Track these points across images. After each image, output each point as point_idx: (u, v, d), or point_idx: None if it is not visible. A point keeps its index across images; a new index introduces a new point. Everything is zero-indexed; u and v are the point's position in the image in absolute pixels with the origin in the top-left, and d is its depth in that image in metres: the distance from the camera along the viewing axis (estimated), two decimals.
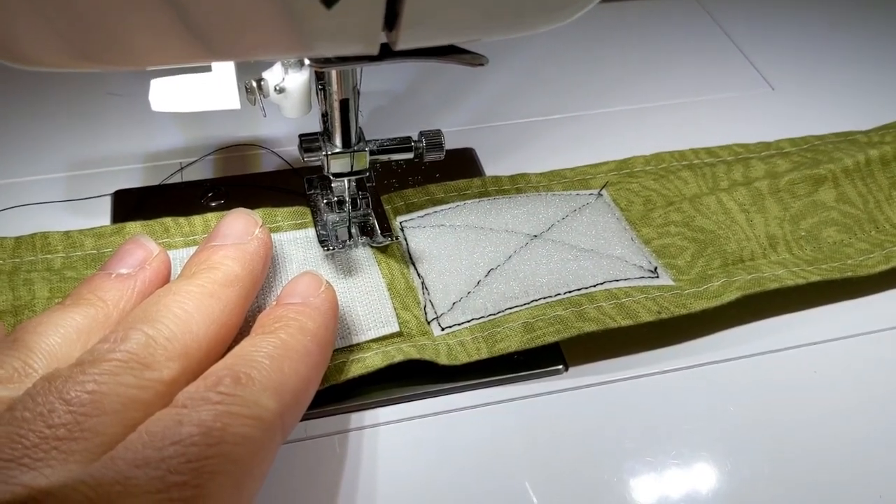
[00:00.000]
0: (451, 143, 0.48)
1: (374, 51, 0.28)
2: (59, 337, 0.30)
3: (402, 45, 0.29)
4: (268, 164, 0.47)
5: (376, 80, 0.53)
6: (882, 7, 0.62)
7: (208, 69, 0.36)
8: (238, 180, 0.46)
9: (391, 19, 0.27)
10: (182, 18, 0.25)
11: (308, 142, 0.39)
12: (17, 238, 0.40)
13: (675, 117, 0.52)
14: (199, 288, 0.32)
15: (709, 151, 0.47)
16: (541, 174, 0.46)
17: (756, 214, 0.43)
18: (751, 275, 0.39)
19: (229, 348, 0.31)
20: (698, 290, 0.38)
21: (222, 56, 0.28)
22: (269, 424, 0.27)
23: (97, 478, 0.24)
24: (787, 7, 0.63)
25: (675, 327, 0.38)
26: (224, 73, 0.35)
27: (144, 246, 0.35)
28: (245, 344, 0.30)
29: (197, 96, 0.35)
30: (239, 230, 0.35)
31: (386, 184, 0.46)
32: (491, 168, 0.47)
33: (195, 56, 0.27)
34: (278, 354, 0.30)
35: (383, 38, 0.28)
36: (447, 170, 0.46)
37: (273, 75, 0.36)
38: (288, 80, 0.35)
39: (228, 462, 0.26)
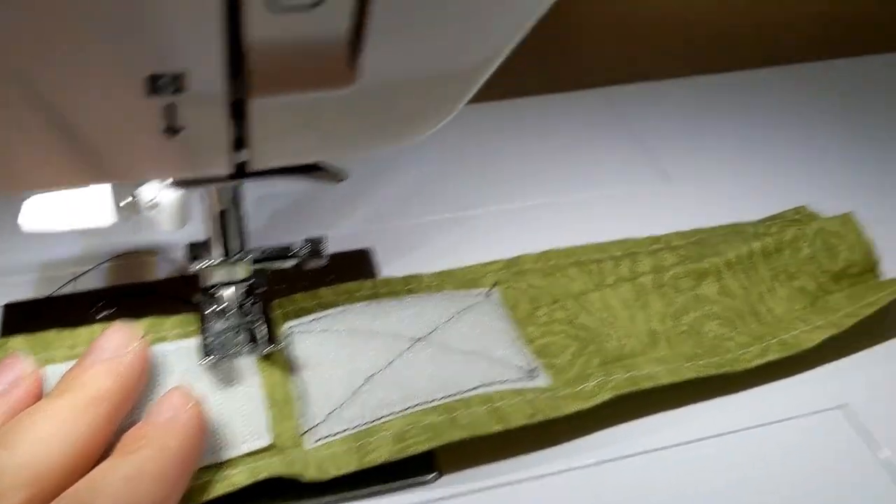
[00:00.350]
0: (348, 245, 0.49)
1: (226, 172, 0.29)
2: None
3: (256, 167, 0.30)
4: (161, 272, 0.47)
5: (276, 184, 0.54)
6: (782, 97, 0.65)
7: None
8: (131, 289, 0.46)
9: (240, 142, 0.28)
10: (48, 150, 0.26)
11: (195, 250, 0.40)
12: None
13: (572, 213, 0.53)
14: (63, 408, 0.32)
15: (598, 247, 0.49)
16: (433, 274, 0.47)
17: (639, 311, 0.44)
18: (628, 373, 0.40)
19: (97, 463, 0.31)
20: (573, 391, 0.39)
21: (101, 181, 0.29)
22: None
23: None
24: (689, 101, 0.65)
25: (553, 428, 0.38)
26: (98, 189, 0.35)
27: (19, 363, 0.35)
28: (103, 466, 0.30)
29: (69, 215, 0.36)
30: (116, 344, 0.35)
31: (276, 289, 0.46)
32: (388, 269, 0.48)
33: (60, 183, 0.28)
34: (134, 476, 0.29)
35: (242, 157, 0.29)
36: (341, 272, 0.47)
37: (147, 191, 0.36)
38: (161, 196, 0.36)
39: None
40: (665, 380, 0.40)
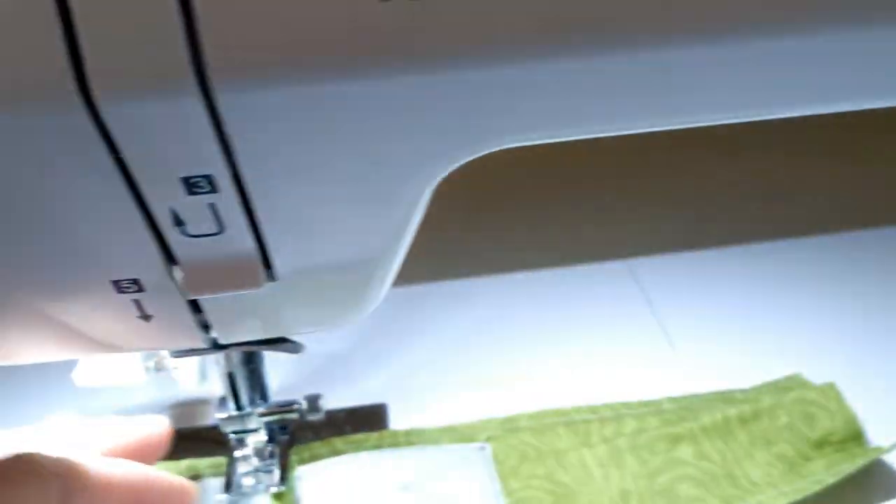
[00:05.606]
0: (367, 399, 0.56)
1: (199, 345, 0.37)
2: None
3: (224, 341, 0.38)
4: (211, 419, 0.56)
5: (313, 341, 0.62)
6: (788, 269, 0.67)
7: None
8: (183, 433, 0.54)
9: (206, 327, 0.36)
10: (56, 333, 0.35)
11: (222, 403, 0.48)
12: None
13: (577, 373, 0.57)
14: None
15: (590, 409, 0.52)
16: (434, 429, 0.52)
17: (613, 469, 0.47)
18: None
19: None
20: None
21: (108, 352, 0.38)
22: None
23: None
24: (706, 271, 0.68)
25: None
26: (129, 354, 0.45)
27: None
28: None
29: (110, 373, 0.45)
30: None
31: (302, 435, 0.53)
32: (397, 422, 0.54)
33: (74, 354, 0.37)
34: None
35: (211, 336, 0.37)
36: (358, 423, 0.54)
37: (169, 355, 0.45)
38: (180, 360, 0.45)
39: None
40: None
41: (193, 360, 0.45)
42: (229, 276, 0.32)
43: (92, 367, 0.45)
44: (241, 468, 0.49)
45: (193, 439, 0.53)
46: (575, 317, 0.64)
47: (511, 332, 0.63)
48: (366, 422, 0.54)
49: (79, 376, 0.45)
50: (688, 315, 0.63)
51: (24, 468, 0.33)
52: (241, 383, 0.45)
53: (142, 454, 0.41)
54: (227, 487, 0.48)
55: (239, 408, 0.46)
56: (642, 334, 0.62)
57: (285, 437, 0.50)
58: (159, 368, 0.45)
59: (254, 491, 0.47)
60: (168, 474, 0.40)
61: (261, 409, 0.47)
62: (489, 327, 0.63)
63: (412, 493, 0.46)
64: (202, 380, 0.46)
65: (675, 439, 0.48)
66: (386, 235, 0.33)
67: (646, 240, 0.72)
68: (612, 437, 0.49)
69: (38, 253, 0.30)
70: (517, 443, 0.50)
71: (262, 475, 0.48)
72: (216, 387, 0.48)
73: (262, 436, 0.49)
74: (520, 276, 0.68)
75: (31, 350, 0.36)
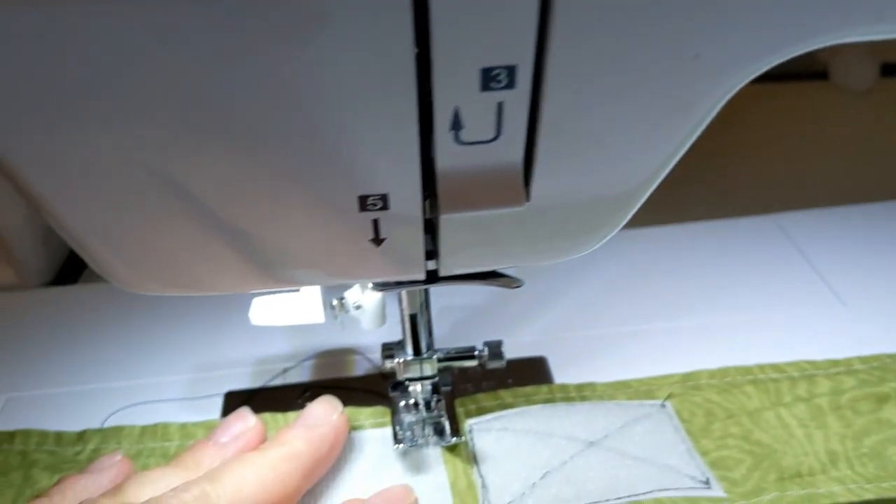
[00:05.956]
0: (524, 352, 0.53)
1: (421, 276, 0.34)
2: (152, 491, 0.36)
3: (444, 273, 0.34)
4: (359, 369, 0.53)
5: (460, 295, 0.58)
6: None
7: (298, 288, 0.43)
8: (332, 383, 0.51)
9: (431, 253, 0.33)
10: (252, 260, 0.32)
11: (388, 350, 0.45)
12: (143, 427, 0.46)
13: (744, 333, 0.54)
14: (262, 459, 0.38)
15: (775, 367, 0.49)
16: (606, 384, 0.49)
17: (816, 430, 0.44)
18: (804, 490, 0.40)
19: None
20: (748, 503, 0.39)
21: (295, 284, 0.35)
22: None
23: None
24: (861, 227, 0.64)
25: None
26: (311, 292, 0.42)
27: (245, 419, 0.42)
28: None
29: (288, 312, 0.42)
30: (318, 414, 0.42)
31: (462, 387, 0.50)
32: (560, 377, 0.51)
33: (266, 285, 0.34)
34: (262, 464, 0.36)
35: (430, 267, 0.34)
36: (519, 377, 0.50)
37: (352, 294, 0.42)
38: (364, 299, 0.41)
39: None
40: (843, 499, 0.39)
41: (375, 301, 0.42)
42: (488, 192, 0.28)
43: (268, 306, 0.42)
44: (408, 419, 0.46)
45: (347, 389, 0.50)
46: (729, 271, 0.61)
47: (665, 284, 0.59)
48: (527, 375, 0.51)
49: (255, 315, 0.42)
50: (851, 271, 0.59)
51: None
52: (421, 327, 0.42)
53: (328, 462, 0.42)
54: (397, 439, 0.44)
55: (417, 353, 0.43)
56: (807, 291, 0.58)
57: (448, 388, 0.47)
58: (339, 308, 0.42)
59: (425, 443, 0.44)
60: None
61: (439, 355, 0.43)
62: (641, 279, 0.60)
63: (600, 450, 0.43)
64: (381, 322, 0.43)
65: (881, 399, 0.45)
66: (659, 158, 0.30)
67: (792, 194, 0.68)
68: (808, 396, 0.46)
69: (292, 164, 0.27)
70: (701, 401, 0.47)
71: (429, 427, 0.45)
72: (386, 334, 0.46)
73: (427, 386, 0.45)
74: (668, 229, 0.65)
75: (224, 278, 0.33)
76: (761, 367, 0.49)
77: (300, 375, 0.53)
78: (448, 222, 0.30)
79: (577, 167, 0.29)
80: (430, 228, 0.31)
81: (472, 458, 0.44)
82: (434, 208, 0.29)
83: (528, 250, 0.34)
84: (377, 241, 0.31)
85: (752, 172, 0.71)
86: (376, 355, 0.53)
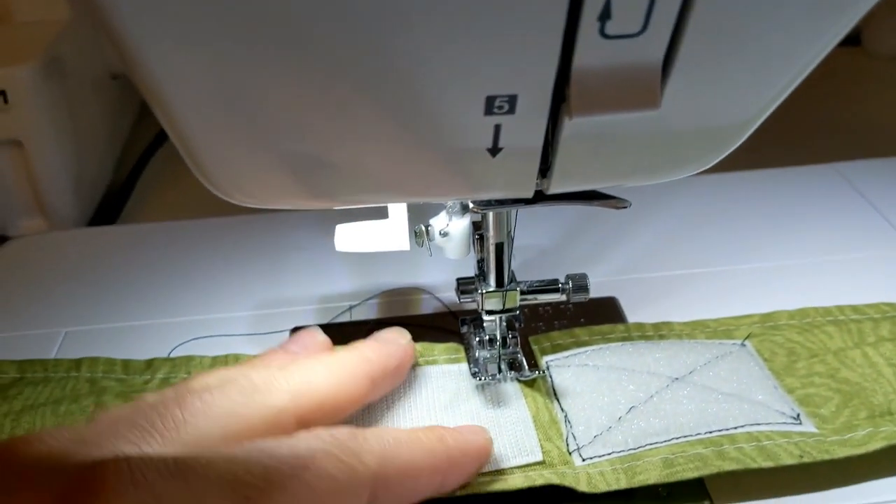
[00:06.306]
0: (594, 293, 0.51)
1: (530, 194, 0.33)
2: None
3: (552, 190, 0.33)
4: (426, 308, 0.52)
5: (524, 235, 0.57)
6: None
7: (384, 216, 0.41)
8: (399, 321, 0.50)
9: (545, 169, 0.32)
10: (366, 171, 0.31)
11: (464, 284, 0.44)
12: (214, 357, 0.46)
13: (815, 275, 0.53)
14: (333, 358, 0.38)
15: (854, 308, 0.48)
16: (684, 323, 0.48)
17: None
18: None
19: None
20: (843, 438, 0.38)
21: (414, 198, 0.33)
22: (359, 479, 0.31)
23: (184, 458, 0.29)
24: None
25: (821, 473, 0.37)
26: (397, 219, 0.40)
27: (314, 335, 0.42)
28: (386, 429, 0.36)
29: (373, 239, 0.41)
30: (387, 336, 0.42)
31: (533, 326, 0.49)
32: (633, 316, 0.50)
33: (374, 199, 0.33)
34: (406, 440, 0.33)
35: (538, 185, 0.33)
36: (591, 316, 0.49)
37: (438, 221, 0.41)
38: (451, 226, 0.40)
39: (304, 486, 0.29)
40: None
41: (463, 228, 0.40)
42: (624, 93, 0.27)
43: (353, 232, 0.41)
44: (483, 355, 0.45)
45: (417, 326, 0.49)
46: (794, 216, 0.59)
47: (730, 228, 0.58)
48: (599, 315, 0.50)
49: (339, 241, 0.41)
50: None
51: (336, 461, 0.31)
52: (506, 257, 0.41)
53: (395, 378, 0.42)
54: (474, 374, 0.43)
55: (499, 285, 0.42)
56: (875, 236, 0.57)
57: (520, 325, 0.46)
58: (425, 236, 0.40)
59: (503, 378, 0.43)
60: (464, 435, 0.37)
61: (522, 287, 0.42)
62: (707, 223, 0.59)
63: (687, 385, 0.42)
64: (466, 251, 0.41)
65: None
66: (791, 72, 0.28)
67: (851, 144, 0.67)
68: (892, 336, 0.45)
69: (420, 58, 0.25)
70: (783, 340, 0.46)
71: (504, 363, 0.44)
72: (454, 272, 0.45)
73: (502, 322, 0.44)
74: (727, 176, 0.63)
75: (338, 189, 0.32)
76: (840, 309, 0.48)
77: (366, 313, 0.52)
78: (571, 129, 0.29)
79: (714, 73, 0.28)
80: (550, 140, 0.30)
81: (552, 393, 0.43)
82: (559, 115, 0.28)
83: (638, 167, 0.32)
84: (494, 150, 0.29)
85: (814, 124, 0.70)
86: (444, 294, 0.52)
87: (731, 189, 0.63)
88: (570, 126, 0.29)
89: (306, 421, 0.34)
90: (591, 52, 0.26)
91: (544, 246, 0.57)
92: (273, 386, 0.34)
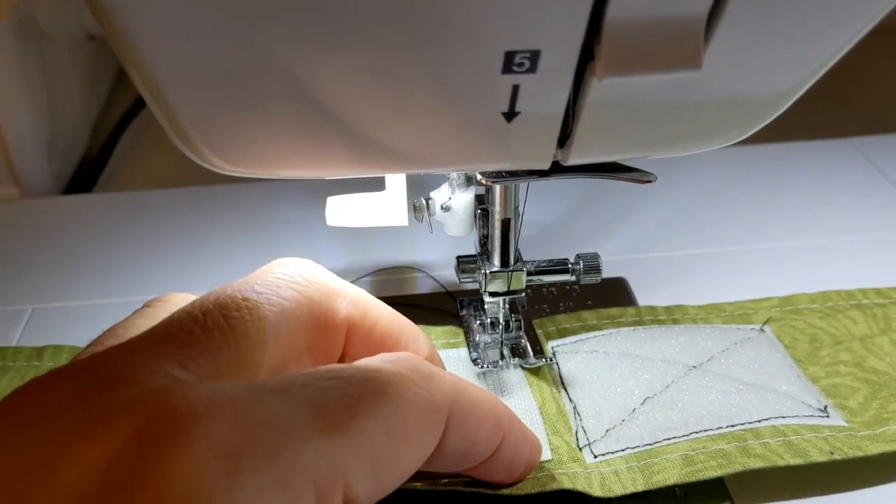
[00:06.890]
0: (602, 272, 0.48)
1: (546, 166, 0.30)
2: None
3: (570, 162, 0.30)
4: (422, 287, 0.48)
5: (530, 211, 0.54)
6: None
7: (380, 188, 0.38)
8: (394, 300, 0.47)
9: (563, 138, 0.28)
10: (361, 137, 0.27)
11: (465, 263, 0.40)
12: None
13: (835, 256, 0.50)
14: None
15: (878, 292, 0.45)
16: (698, 307, 0.45)
17: None
18: None
19: None
20: (874, 433, 0.36)
21: (415, 168, 0.30)
22: (436, 406, 0.27)
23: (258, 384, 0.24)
24: None
25: (851, 472, 0.35)
26: (395, 191, 0.37)
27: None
28: None
29: (368, 213, 0.37)
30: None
31: (537, 308, 0.46)
32: (643, 299, 0.47)
33: (368, 169, 0.30)
34: (471, 384, 0.30)
35: (555, 156, 0.30)
36: (598, 298, 0.46)
37: (440, 195, 0.37)
38: (454, 200, 0.37)
39: (388, 412, 0.25)
40: None
41: (465, 202, 0.37)
42: (662, 50, 0.24)
43: (346, 205, 0.37)
44: (484, 339, 0.42)
45: (412, 306, 0.46)
46: (809, 193, 0.57)
47: (742, 205, 0.55)
48: (607, 297, 0.47)
49: (331, 215, 0.38)
50: None
51: (414, 385, 0.27)
52: (512, 235, 0.38)
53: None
54: (474, 360, 0.40)
55: (504, 264, 0.39)
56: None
57: (523, 309, 0.43)
58: (424, 210, 0.37)
59: (506, 365, 0.40)
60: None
61: (529, 267, 0.39)
62: (717, 200, 0.56)
63: (706, 374, 0.39)
64: (469, 228, 0.38)
65: None
66: (845, 35, 0.25)
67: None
68: None
69: (425, 6, 0.22)
70: (804, 326, 0.43)
71: (506, 348, 0.41)
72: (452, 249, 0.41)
73: (504, 305, 0.41)
74: (741, 150, 0.60)
75: (330, 158, 0.28)
76: (864, 292, 0.45)
77: None
78: (598, 93, 0.26)
79: (763, 33, 0.24)
80: (572, 104, 0.27)
81: (559, 382, 0.40)
82: (585, 76, 0.25)
83: (665, 137, 0.29)
84: (509, 114, 0.26)
85: (829, 98, 0.66)
86: (440, 273, 0.49)
87: (743, 164, 0.60)
88: (598, 89, 0.25)
89: (356, 327, 0.32)
90: (626, 2, 0.22)
91: (546, 222, 0.54)
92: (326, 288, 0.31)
